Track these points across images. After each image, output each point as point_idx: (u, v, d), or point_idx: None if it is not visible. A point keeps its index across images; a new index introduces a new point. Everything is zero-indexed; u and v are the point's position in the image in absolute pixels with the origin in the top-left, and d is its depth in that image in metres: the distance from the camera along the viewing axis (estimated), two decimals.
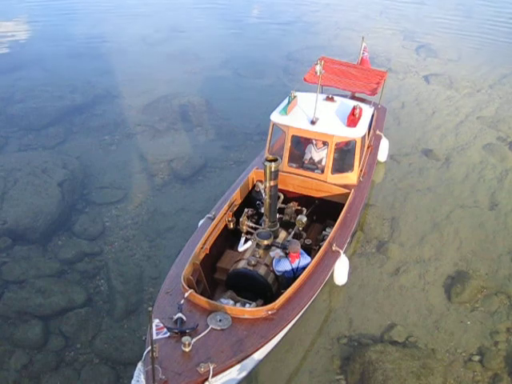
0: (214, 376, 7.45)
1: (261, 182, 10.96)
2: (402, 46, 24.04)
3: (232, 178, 14.47)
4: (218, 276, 10.69)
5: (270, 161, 9.67)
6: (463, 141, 16.68)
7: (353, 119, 11.73)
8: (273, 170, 9.66)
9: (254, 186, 11.85)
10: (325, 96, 12.79)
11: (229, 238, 11.17)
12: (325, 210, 11.73)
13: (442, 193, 14.38)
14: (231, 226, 10.95)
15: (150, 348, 6.73)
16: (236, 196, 11.40)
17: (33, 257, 11.86)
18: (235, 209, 11.28)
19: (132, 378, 7.48)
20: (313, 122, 11.63)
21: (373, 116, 13.37)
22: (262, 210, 10.80)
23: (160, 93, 19.14)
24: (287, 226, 11.23)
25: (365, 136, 12.33)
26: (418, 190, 14.46)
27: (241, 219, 10.83)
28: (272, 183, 9.86)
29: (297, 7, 28.60)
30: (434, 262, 12.16)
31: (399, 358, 9.73)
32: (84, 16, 26.49)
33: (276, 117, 12.06)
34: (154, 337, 6.95)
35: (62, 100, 18.10)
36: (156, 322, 7.36)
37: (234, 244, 11.09)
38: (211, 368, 7.38)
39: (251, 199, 11.71)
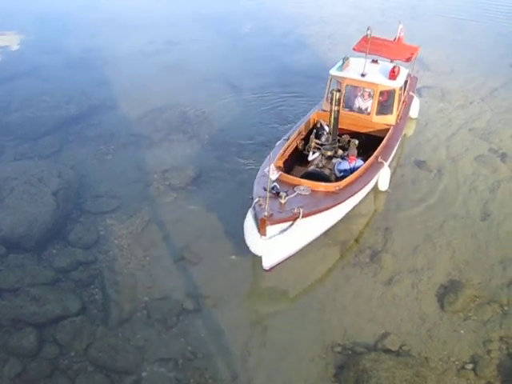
0: (303, 217, 10.83)
1: (322, 119, 15.03)
2: None
3: (227, 188, 14.69)
4: None
5: (336, 92, 13.67)
6: (455, 152, 16.83)
7: (393, 74, 15.27)
8: (337, 97, 13.72)
9: (315, 123, 15.39)
10: (370, 59, 15.97)
11: (298, 158, 14.55)
12: (369, 146, 14.40)
13: (434, 203, 14.49)
14: (300, 147, 14.67)
15: (256, 199, 10.91)
16: (301, 128, 15.03)
17: (27, 265, 11.85)
18: (302, 137, 14.91)
19: None
20: (362, 75, 15.18)
21: (407, 80, 17.01)
22: (323, 140, 14.57)
23: (155, 104, 19.21)
24: (342, 149, 14.63)
25: (402, 88, 15.91)
26: (411, 201, 14.57)
27: (311, 136, 14.60)
28: (336, 108, 13.95)
29: (291, 21, 28.81)
30: (427, 271, 12.25)
31: (393, 367, 9.79)
32: (80, 27, 26.58)
33: (334, 71, 15.62)
34: (271, 175, 10.93)
35: (58, 110, 18.12)
36: (272, 166, 11.16)
37: (301, 163, 14.49)
38: (301, 211, 10.81)
39: (315, 133, 14.88)
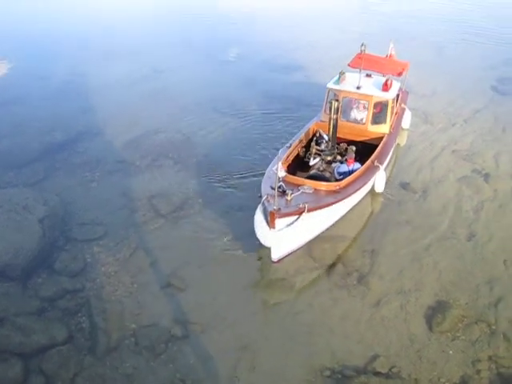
0: (308, 212, 11.92)
1: (321, 129, 16.12)
2: None
3: (214, 213, 14.66)
4: None
5: (334, 101, 14.87)
6: (439, 174, 16.99)
7: (386, 87, 16.60)
8: (336, 106, 14.95)
9: (314, 133, 16.45)
10: (365, 74, 17.16)
11: (299, 164, 15.59)
12: (365, 154, 15.41)
13: (420, 225, 14.58)
14: (301, 154, 15.87)
15: (265, 196, 12.10)
16: (302, 137, 16.20)
17: (13, 294, 11.75)
18: (303, 145, 16.14)
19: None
20: (358, 88, 16.42)
21: (399, 94, 18.33)
22: (323, 147, 15.65)
23: (141, 130, 19.27)
24: (341, 156, 15.80)
25: (394, 100, 17.25)
26: (397, 223, 14.66)
27: (312, 143, 15.81)
28: (335, 116, 15.21)
29: (277, 46, 29.09)
30: (415, 292, 12.28)
31: None
32: (67, 54, 26.72)
33: (331, 85, 16.89)
34: (278, 173, 11.68)
35: (43, 137, 18.12)
36: (279, 164, 12.23)
37: (303, 168, 15.44)
38: (306, 206, 11.90)
39: (315, 141, 15.92)
